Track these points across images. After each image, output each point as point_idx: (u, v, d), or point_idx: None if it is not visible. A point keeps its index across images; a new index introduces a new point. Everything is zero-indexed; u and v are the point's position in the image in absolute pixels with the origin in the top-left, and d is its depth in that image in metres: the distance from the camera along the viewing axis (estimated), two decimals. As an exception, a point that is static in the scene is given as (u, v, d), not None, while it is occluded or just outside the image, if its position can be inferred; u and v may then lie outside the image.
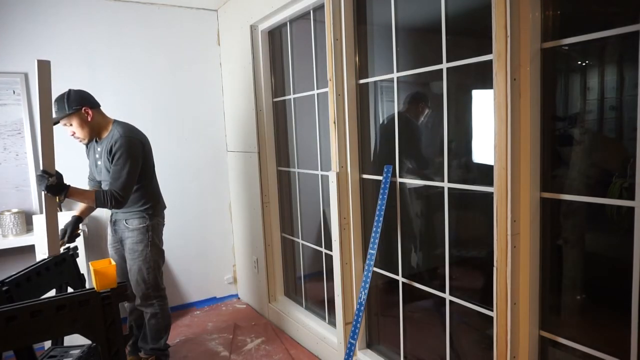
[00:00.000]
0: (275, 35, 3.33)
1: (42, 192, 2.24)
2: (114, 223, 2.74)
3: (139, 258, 2.65)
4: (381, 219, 2.26)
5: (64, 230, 2.53)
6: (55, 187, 2.23)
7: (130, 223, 2.66)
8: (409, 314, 2.42)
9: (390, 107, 2.38)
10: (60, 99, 2.47)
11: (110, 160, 2.50)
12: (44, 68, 2.14)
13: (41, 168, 2.21)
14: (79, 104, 2.47)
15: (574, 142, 1.63)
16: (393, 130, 2.31)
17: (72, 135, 2.54)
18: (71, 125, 2.50)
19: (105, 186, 2.59)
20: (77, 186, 2.41)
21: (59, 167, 2.28)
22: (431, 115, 2.29)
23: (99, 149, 2.62)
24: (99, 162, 2.61)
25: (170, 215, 2.96)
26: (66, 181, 2.30)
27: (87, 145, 2.66)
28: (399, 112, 2.29)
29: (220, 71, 3.91)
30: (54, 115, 2.49)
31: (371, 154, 2.57)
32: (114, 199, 2.45)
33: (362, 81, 2.46)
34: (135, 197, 2.61)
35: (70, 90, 2.50)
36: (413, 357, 2.43)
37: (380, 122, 2.57)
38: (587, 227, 1.70)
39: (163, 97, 3.66)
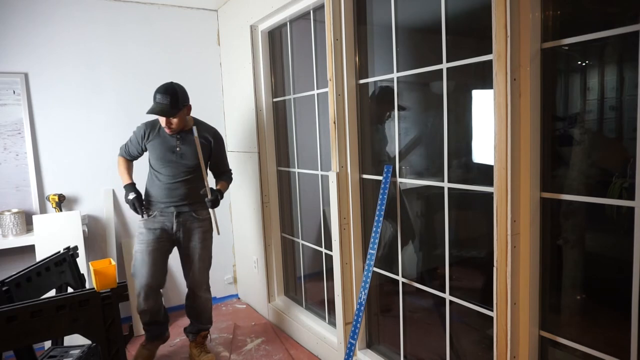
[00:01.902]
0: (275, 35, 3.33)
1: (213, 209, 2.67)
2: (176, 215, 2.69)
3: (209, 247, 2.79)
4: (381, 219, 2.26)
5: (136, 208, 2.66)
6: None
7: (199, 213, 2.74)
8: (409, 314, 2.42)
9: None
10: (173, 93, 2.51)
11: (211, 148, 2.76)
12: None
13: (214, 188, 2.64)
14: (187, 100, 2.61)
15: (574, 142, 1.63)
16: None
17: (166, 125, 2.58)
18: (175, 118, 2.56)
19: (181, 170, 2.71)
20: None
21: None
22: (430, 115, 2.29)
23: (178, 136, 2.68)
24: (178, 149, 2.67)
25: (170, 215, 2.94)
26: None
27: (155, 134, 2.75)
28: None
29: (220, 71, 3.91)
30: (159, 103, 2.52)
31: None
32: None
33: (362, 81, 2.46)
34: (200, 187, 2.69)
35: (175, 85, 2.57)
36: (413, 357, 2.43)
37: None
38: (587, 227, 1.70)
39: (163, 97, 3.65)
